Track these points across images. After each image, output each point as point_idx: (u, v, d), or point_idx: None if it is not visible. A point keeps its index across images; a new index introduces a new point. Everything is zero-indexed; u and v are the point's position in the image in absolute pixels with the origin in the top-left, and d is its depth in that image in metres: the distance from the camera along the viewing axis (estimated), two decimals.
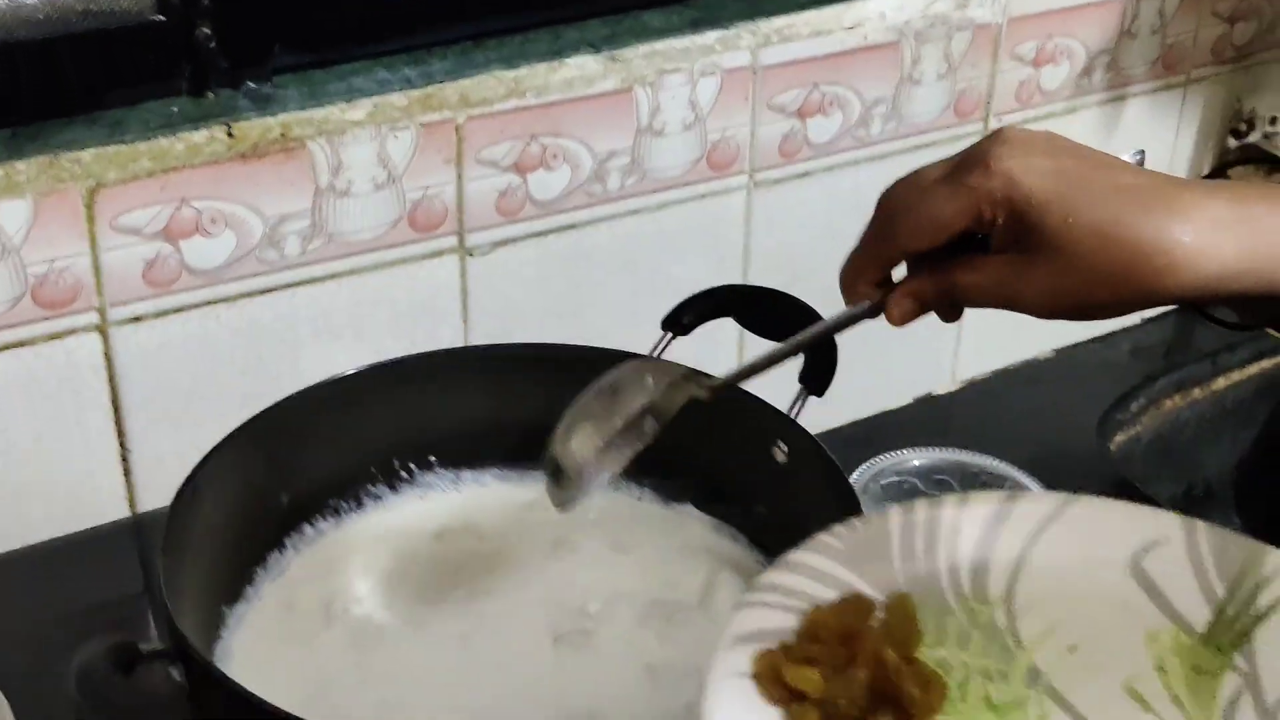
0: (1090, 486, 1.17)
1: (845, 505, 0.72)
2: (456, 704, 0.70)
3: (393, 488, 0.83)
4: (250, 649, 0.72)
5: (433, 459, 0.84)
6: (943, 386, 1.28)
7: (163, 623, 0.63)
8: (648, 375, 0.69)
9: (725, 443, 0.80)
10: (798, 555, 0.61)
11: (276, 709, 0.58)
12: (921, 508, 0.63)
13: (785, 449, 0.78)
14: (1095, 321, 0.65)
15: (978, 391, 1.28)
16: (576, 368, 0.79)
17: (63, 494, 0.93)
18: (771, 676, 0.54)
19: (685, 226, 1.08)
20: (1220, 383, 1.35)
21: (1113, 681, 0.58)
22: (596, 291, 1.06)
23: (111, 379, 0.92)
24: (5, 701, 0.79)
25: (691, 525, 0.82)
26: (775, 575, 0.60)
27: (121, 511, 0.95)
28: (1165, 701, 0.57)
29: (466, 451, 0.84)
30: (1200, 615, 0.60)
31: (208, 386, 0.95)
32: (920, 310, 0.67)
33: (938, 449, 1.12)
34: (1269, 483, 1.42)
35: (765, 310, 0.82)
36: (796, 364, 0.80)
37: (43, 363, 0.90)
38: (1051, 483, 1.07)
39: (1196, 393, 1.33)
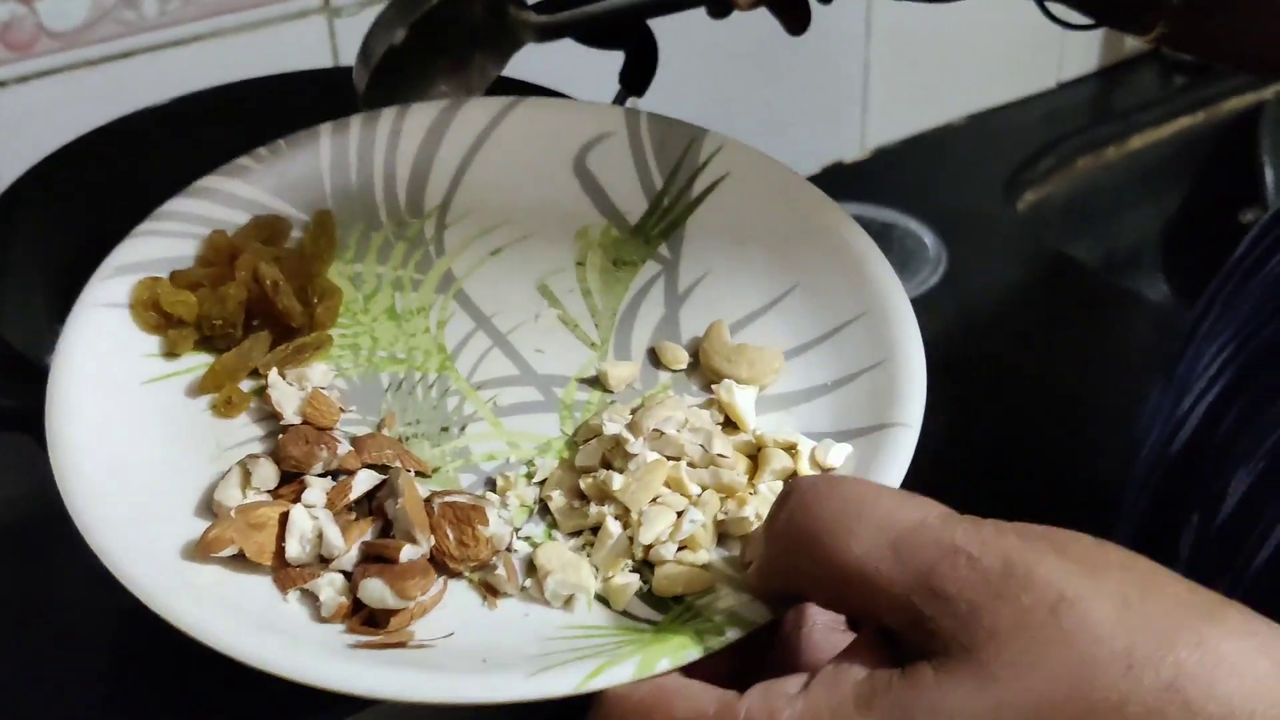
0: (1000, 246, 1.19)
1: None
2: None
3: None
4: None
5: None
6: (852, 154, 1.28)
7: None
8: None
9: None
10: (207, 180, 0.58)
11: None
12: (356, 121, 0.62)
13: None
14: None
15: (888, 158, 1.28)
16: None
17: None
18: (148, 303, 0.52)
19: None
20: (1135, 142, 1.34)
21: (528, 281, 0.57)
22: None
23: None
24: None
25: None
26: (178, 203, 0.57)
27: None
28: (574, 295, 0.57)
29: None
30: (636, 208, 0.60)
31: None
32: None
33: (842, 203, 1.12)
34: (1197, 248, 1.42)
35: None
36: (616, 65, 0.80)
37: None
38: (961, 243, 1.07)
39: (1111, 153, 1.32)
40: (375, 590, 0.43)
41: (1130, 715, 0.32)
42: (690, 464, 0.48)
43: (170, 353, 0.52)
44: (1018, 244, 1.20)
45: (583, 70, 1.06)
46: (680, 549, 0.45)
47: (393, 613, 0.43)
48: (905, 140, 1.29)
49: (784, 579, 0.38)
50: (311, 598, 0.44)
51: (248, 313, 0.54)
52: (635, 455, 0.48)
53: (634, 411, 0.51)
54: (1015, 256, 1.19)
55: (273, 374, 0.51)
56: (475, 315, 0.56)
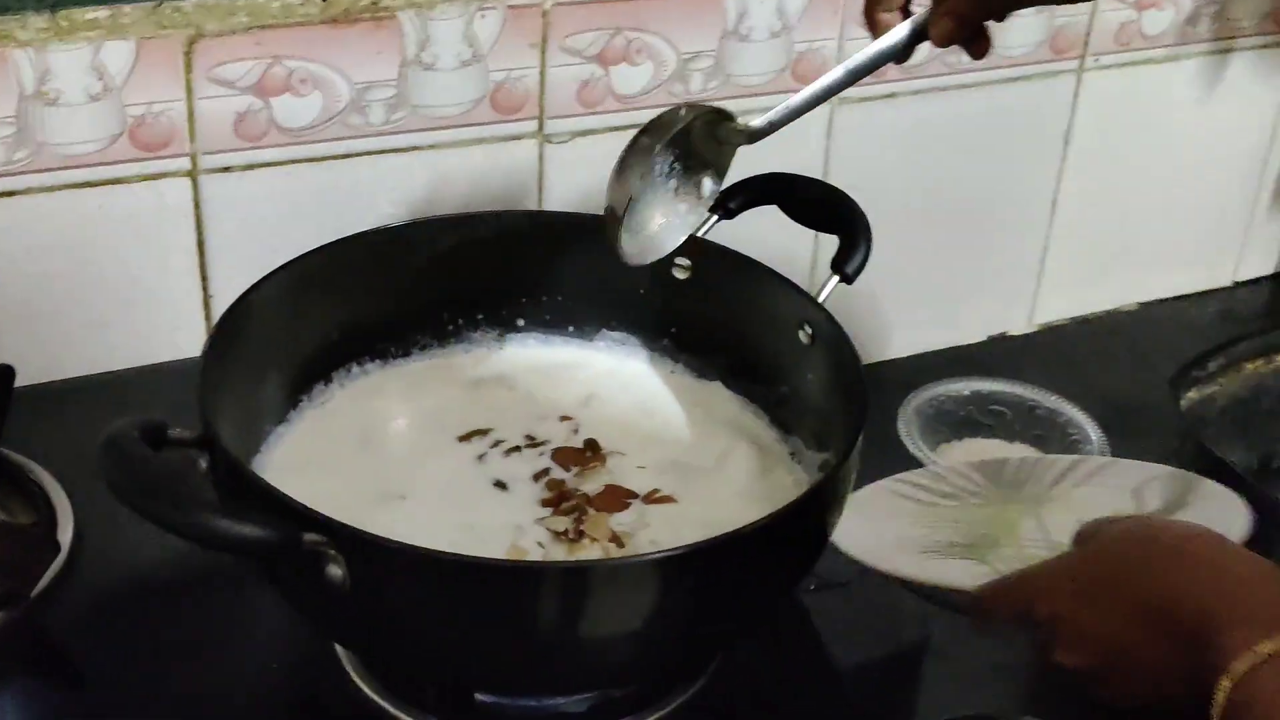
0: (1157, 442, 1.18)
1: (855, 389, 0.74)
2: (463, 519, 0.74)
3: (440, 340, 0.87)
4: (283, 464, 0.77)
5: (480, 317, 0.87)
6: (1018, 328, 1.28)
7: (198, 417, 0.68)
8: (680, 110, 0.75)
9: (755, 323, 0.82)
10: None
11: (297, 503, 0.62)
12: None
13: (810, 331, 0.80)
14: None
15: (1054, 336, 1.28)
16: None
17: (145, 328, 0.99)
18: None
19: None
20: None
21: None
22: None
23: (199, 224, 0.98)
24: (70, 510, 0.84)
25: (718, 400, 0.85)
26: None
27: (199, 349, 1.00)
28: None
29: (513, 312, 0.88)
30: None
31: (287, 241, 0.98)
32: (959, 31, 0.69)
33: (996, 380, 1.13)
34: None
35: (809, 200, 0.83)
36: (830, 250, 0.83)
37: (136, 202, 0.95)
38: (1120, 435, 1.07)
39: None
40: None
41: None
42: None
43: None
44: (1177, 442, 1.19)
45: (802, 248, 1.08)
46: None
47: None
48: (1073, 320, 1.30)
49: None
50: None
51: None
52: None
53: None
54: (1173, 455, 1.18)
55: None
56: None
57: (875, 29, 0.70)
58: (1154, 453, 1.15)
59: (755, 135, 0.75)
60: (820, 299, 0.79)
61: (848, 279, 0.80)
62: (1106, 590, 0.60)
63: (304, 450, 0.79)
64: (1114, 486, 0.82)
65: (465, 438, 0.81)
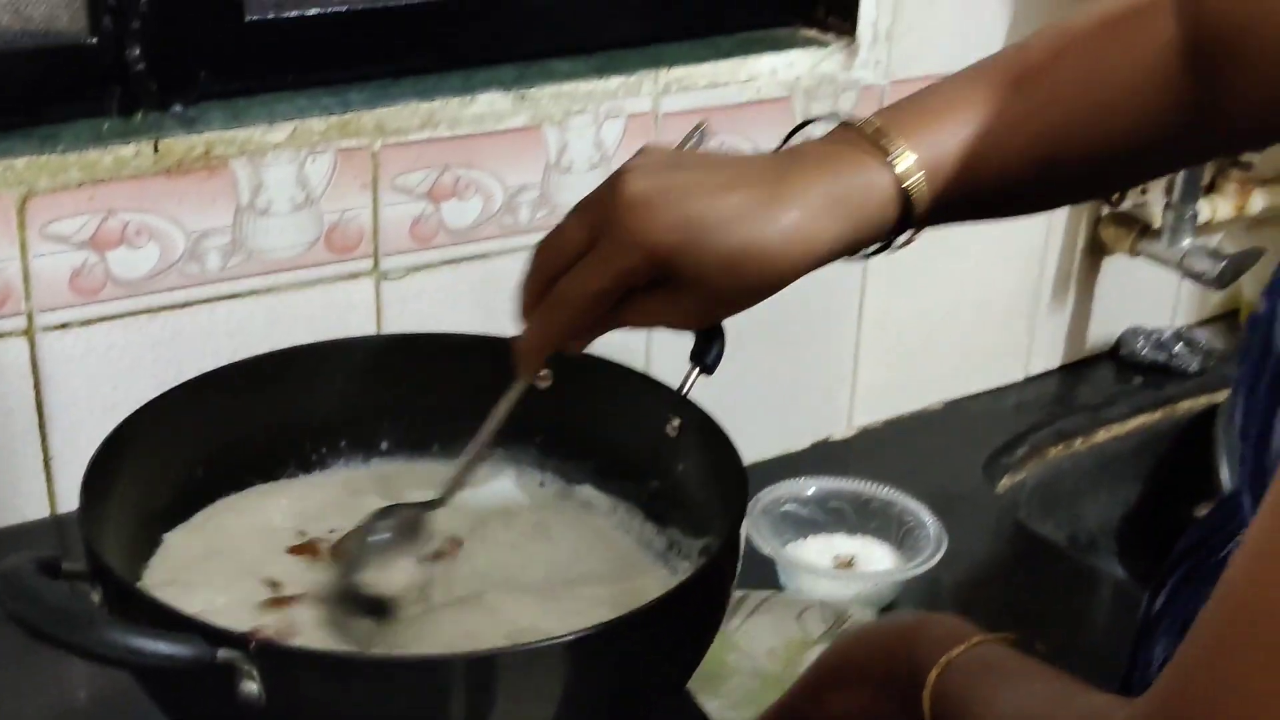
0: (980, 526, 1.24)
1: (732, 473, 0.77)
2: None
3: (304, 469, 0.87)
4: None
5: (342, 444, 0.88)
6: (839, 433, 1.34)
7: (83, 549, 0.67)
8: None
9: (621, 421, 0.85)
10: None
11: (188, 616, 0.62)
12: None
13: (676, 424, 0.83)
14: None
15: (872, 437, 1.35)
16: (474, 356, 0.85)
17: None
18: None
19: None
20: (1100, 435, 1.42)
21: None
22: (507, 320, 1.11)
23: (37, 384, 0.96)
24: None
25: (590, 500, 0.87)
26: None
27: (42, 511, 0.98)
28: None
29: (376, 436, 0.88)
30: None
31: (129, 395, 0.98)
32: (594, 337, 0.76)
33: (834, 478, 1.18)
34: (1151, 537, 1.49)
35: None
36: (687, 344, 0.86)
37: None
38: (942, 519, 1.13)
39: (1078, 443, 1.40)
40: None
41: None
42: None
43: None
44: (997, 523, 1.26)
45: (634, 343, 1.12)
46: None
47: None
48: (887, 422, 1.36)
49: None
50: None
51: None
52: None
53: None
54: (994, 536, 1.25)
55: None
56: None
57: (532, 373, 0.77)
58: (979, 535, 1.23)
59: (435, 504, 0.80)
60: (684, 392, 0.82)
61: (708, 370, 0.83)
62: (847, 678, 0.75)
63: (179, 578, 0.78)
64: (781, 613, 0.97)
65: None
